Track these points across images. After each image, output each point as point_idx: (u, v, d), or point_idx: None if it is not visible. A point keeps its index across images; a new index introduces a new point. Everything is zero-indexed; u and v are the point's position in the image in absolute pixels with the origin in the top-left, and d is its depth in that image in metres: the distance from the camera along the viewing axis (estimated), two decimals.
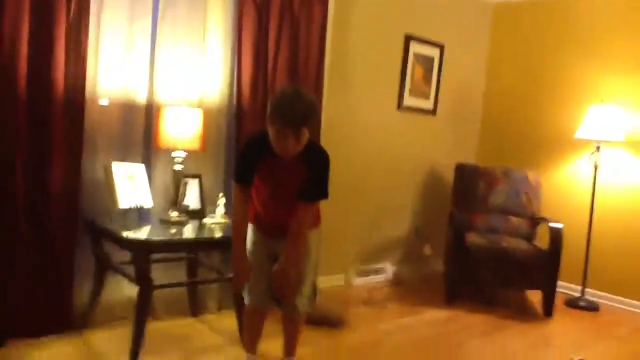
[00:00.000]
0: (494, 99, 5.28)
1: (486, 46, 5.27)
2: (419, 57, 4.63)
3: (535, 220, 4.54)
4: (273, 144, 2.30)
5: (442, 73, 4.83)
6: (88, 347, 2.83)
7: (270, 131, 2.28)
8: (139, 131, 3.21)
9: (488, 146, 5.31)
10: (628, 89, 4.40)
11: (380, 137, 4.47)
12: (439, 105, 4.88)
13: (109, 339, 2.93)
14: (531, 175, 4.64)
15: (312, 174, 2.39)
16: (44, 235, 2.81)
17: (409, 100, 4.63)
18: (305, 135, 2.30)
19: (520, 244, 4.20)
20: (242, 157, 2.49)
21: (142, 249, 2.58)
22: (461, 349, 3.33)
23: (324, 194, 2.44)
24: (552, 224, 4.11)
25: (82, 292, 3.00)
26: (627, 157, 4.41)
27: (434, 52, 4.75)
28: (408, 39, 4.51)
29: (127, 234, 2.62)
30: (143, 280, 2.58)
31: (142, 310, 2.58)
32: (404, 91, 4.58)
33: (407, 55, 4.53)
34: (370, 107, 4.36)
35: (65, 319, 2.92)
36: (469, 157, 5.23)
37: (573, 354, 3.26)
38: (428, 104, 4.82)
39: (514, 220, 4.57)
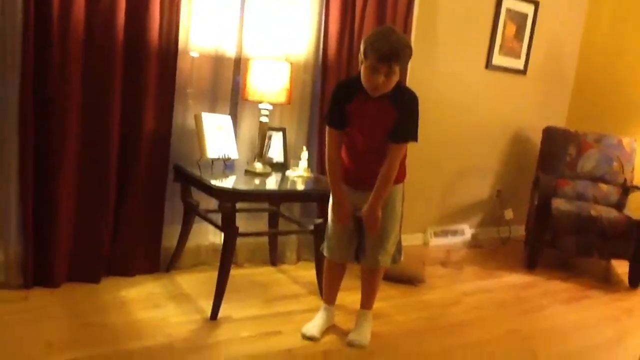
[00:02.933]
0: (588, 60, 4.99)
1: (585, 3, 4.96)
2: (512, 14, 4.42)
3: (627, 189, 4.33)
4: (364, 81, 2.33)
5: (535, 31, 4.59)
6: (175, 287, 2.98)
7: (362, 68, 2.32)
8: (227, 84, 3.26)
9: (580, 110, 5.05)
10: None
11: (467, 95, 4.35)
12: (529, 65, 4.67)
13: (194, 281, 3.07)
14: (625, 141, 4.40)
15: (401, 115, 2.38)
16: (136, 179, 2.94)
17: (498, 59, 4.46)
18: (396, 74, 2.31)
19: (610, 212, 4.02)
20: (334, 99, 2.49)
21: (230, 197, 2.65)
22: (543, 313, 3.27)
23: (414, 136, 2.43)
24: None
25: (171, 235, 3.13)
26: None
27: (528, 9, 4.51)
28: None
29: (216, 183, 2.70)
30: (229, 227, 2.66)
31: (227, 256, 2.66)
32: (493, 49, 4.41)
33: (499, 10, 4.33)
34: (457, 64, 4.23)
35: (154, 260, 3.08)
36: (559, 121, 5.00)
37: None
38: (518, 64, 4.62)
39: (604, 187, 4.38)
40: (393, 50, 2.25)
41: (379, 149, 2.44)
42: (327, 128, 2.51)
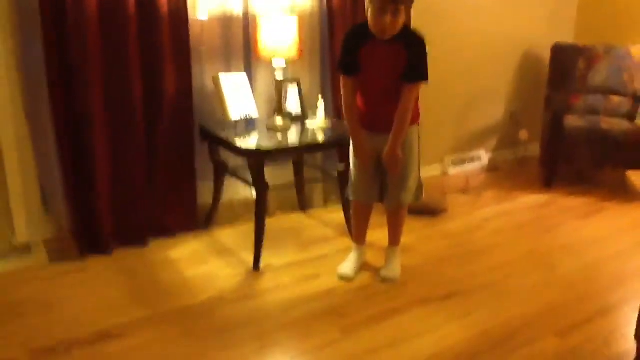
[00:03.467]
0: None
1: None
2: None
3: (638, 98, 4.40)
4: (372, 25, 2.46)
5: None
6: (216, 242, 3.22)
7: (370, 11, 2.45)
8: (238, 42, 3.36)
9: (587, 22, 5.04)
10: None
11: (474, 16, 4.35)
12: None
13: (232, 235, 3.30)
14: (634, 51, 4.43)
15: (411, 57, 2.51)
16: (164, 140, 3.10)
17: None
18: (402, 15, 2.43)
19: (621, 124, 4.12)
20: (344, 46, 2.62)
21: (257, 156, 2.84)
22: (560, 230, 3.47)
23: (424, 76, 2.57)
24: None
25: (205, 194, 3.34)
26: None
27: None
28: None
29: (242, 144, 2.87)
30: (259, 183, 2.86)
31: (261, 210, 2.88)
32: None
33: None
34: None
35: (192, 219, 3.31)
36: (567, 36, 5.01)
37: None
38: None
39: (615, 99, 4.45)
40: None
41: (392, 92, 2.58)
42: (341, 76, 2.65)
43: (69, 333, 2.33)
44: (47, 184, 2.99)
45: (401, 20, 2.44)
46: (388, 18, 2.40)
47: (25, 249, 2.93)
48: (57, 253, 2.96)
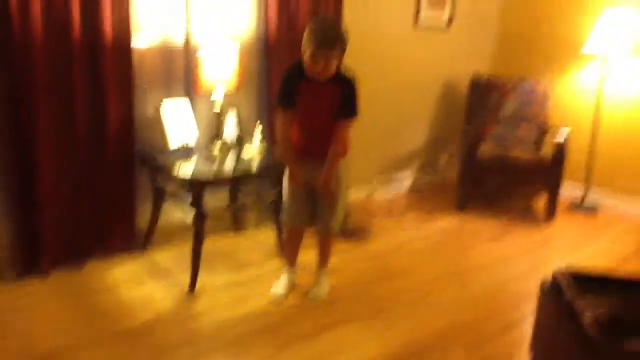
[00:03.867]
0: (511, 8, 5.41)
1: None
2: None
3: (544, 128, 4.86)
4: (307, 68, 2.70)
5: None
6: (153, 264, 3.36)
7: (305, 55, 2.67)
8: (179, 70, 3.54)
9: (503, 55, 5.50)
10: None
11: (398, 51, 4.69)
12: (455, 17, 5.03)
13: (169, 257, 3.45)
14: (541, 85, 4.88)
15: (345, 96, 2.79)
16: (106, 165, 3.23)
17: (426, 11, 4.77)
18: (335, 60, 2.68)
19: (527, 153, 4.55)
20: (284, 83, 2.85)
21: (197, 186, 3.01)
22: (471, 252, 3.83)
23: (356, 113, 2.87)
24: (559, 133, 4.44)
25: (144, 216, 3.47)
26: (633, 65, 4.63)
27: None
28: None
29: (180, 173, 3.03)
30: (198, 212, 3.03)
31: (199, 237, 3.06)
32: (420, 3, 4.72)
33: None
34: (388, 21, 4.54)
35: (131, 240, 3.43)
36: (485, 68, 5.43)
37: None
38: (444, 15, 4.95)
39: (524, 129, 4.89)
40: (329, 39, 2.63)
41: (326, 126, 2.85)
42: (279, 109, 2.87)
43: (17, 356, 2.42)
44: None
45: (334, 65, 2.69)
46: (321, 64, 2.65)
47: None
48: None
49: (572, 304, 2.23)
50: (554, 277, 2.42)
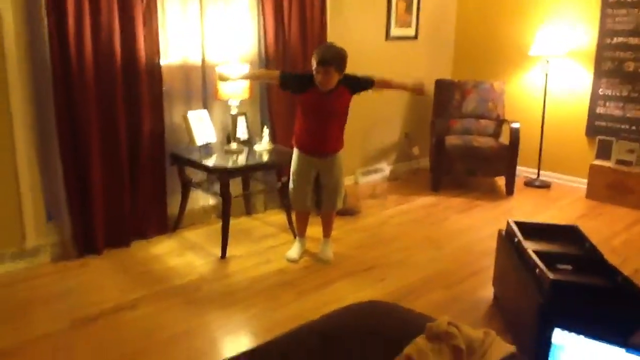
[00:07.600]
0: (464, 22, 6.28)
1: None
2: None
3: (500, 121, 5.71)
4: (315, 77, 3.42)
5: (420, 6, 5.79)
6: (186, 241, 4.07)
7: (312, 68, 3.42)
8: (199, 84, 4.28)
9: (461, 63, 6.37)
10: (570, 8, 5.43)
11: (372, 62, 5.47)
12: (419, 33, 5.88)
13: (198, 235, 4.17)
14: (496, 85, 5.74)
15: (352, 84, 3.57)
16: (141, 166, 3.94)
17: (395, 30, 5.62)
18: (335, 74, 3.40)
19: (488, 142, 5.39)
20: (297, 74, 3.66)
21: (226, 173, 3.75)
22: (445, 222, 4.63)
23: (370, 82, 3.73)
24: (512, 124, 5.29)
25: (173, 204, 4.18)
26: (571, 67, 5.52)
27: None
28: None
29: (210, 163, 3.77)
30: (226, 194, 3.76)
31: (227, 213, 3.78)
32: (390, 23, 5.56)
33: None
34: (364, 36, 5.35)
35: (164, 224, 4.14)
36: (446, 74, 6.29)
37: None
38: (410, 32, 5.81)
39: (483, 122, 5.74)
40: (326, 57, 3.37)
41: (328, 129, 3.60)
42: (279, 84, 3.64)
43: (92, 308, 3.12)
44: (52, 201, 3.71)
45: (334, 77, 3.41)
46: (320, 76, 3.39)
47: (34, 252, 3.63)
48: (60, 255, 3.69)
49: (520, 243, 3.02)
50: (508, 226, 3.22)
